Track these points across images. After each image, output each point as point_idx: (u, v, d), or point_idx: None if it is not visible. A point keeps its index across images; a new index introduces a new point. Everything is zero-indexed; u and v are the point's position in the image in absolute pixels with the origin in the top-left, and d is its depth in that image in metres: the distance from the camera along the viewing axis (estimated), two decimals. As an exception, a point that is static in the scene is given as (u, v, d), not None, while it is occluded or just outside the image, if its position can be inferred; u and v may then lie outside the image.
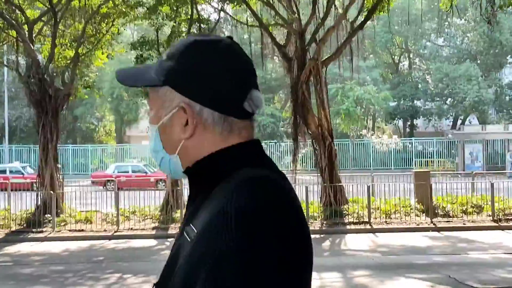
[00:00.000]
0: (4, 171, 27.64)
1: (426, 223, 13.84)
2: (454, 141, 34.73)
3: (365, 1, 16.05)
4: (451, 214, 14.51)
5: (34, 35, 15.65)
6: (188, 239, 1.02)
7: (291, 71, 15.84)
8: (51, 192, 14.52)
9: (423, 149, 35.97)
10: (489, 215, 14.20)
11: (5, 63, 19.31)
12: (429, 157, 34.98)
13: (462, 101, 36.92)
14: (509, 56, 40.29)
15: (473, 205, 14.87)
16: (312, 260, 1.03)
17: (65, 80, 15.89)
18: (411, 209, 14.85)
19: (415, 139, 37.26)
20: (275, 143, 35.75)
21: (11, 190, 17.24)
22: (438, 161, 34.15)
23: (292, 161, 16.88)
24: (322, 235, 12.88)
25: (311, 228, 13.36)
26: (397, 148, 34.17)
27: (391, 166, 34.42)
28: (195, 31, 15.91)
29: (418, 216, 14.44)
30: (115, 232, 13.63)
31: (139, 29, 35.57)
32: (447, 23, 41.24)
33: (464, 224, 13.77)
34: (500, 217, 14.05)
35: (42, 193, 14.91)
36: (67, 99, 15.88)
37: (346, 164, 33.69)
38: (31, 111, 35.61)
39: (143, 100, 29.11)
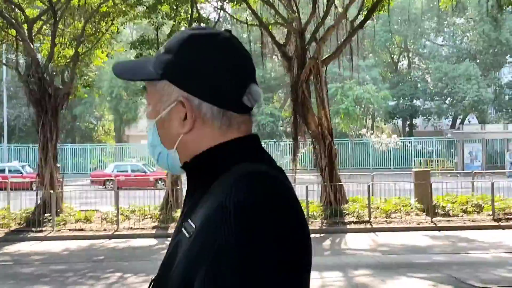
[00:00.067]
0: (3, 171, 27.61)
1: (426, 222, 13.83)
2: (454, 141, 34.75)
3: (365, 0, 16.04)
4: (451, 214, 14.50)
5: (33, 34, 15.61)
6: (187, 234, 1.01)
7: (291, 70, 15.82)
8: (51, 191, 14.49)
9: (422, 149, 35.98)
10: (489, 215, 14.19)
11: (4, 62, 19.27)
12: (429, 156, 35.00)
13: (461, 101, 36.95)
14: (509, 55, 40.32)
15: (473, 205, 14.88)
16: (311, 254, 1.01)
17: (65, 79, 15.86)
18: (411, 208, 14.85)
19: (414, 139, 37.28)
20: (274, 142, 35.74)
21: (10, 189, 17.22)
22: (438, 160, 34.15)
23: (292, 160, 16.86)
24: (322, 235, 12.87)
25: (311, 227, 13.36)
26: (396, 148, 34.18)
27: (390, 165, 34.44)
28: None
29: (418, 215, 14.44)
30: (115, 231, 13.60)
31: (138, 28, 35.55)
32: (446, 22, 41.29)
33: (464, 223, 13.75)
34: (500, 216, 14.04)
35: (41, 192, 14.87)
36: (67, 98, 15.85)
37: (345, 163, 33.69)
38: (30, 110, 35.58)
39: (143, 99, 29.08)
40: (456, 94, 37.03)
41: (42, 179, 15.11)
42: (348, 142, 35.35)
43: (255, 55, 18.28)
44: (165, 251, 1.09)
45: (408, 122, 42.15)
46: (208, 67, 1.07)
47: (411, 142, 36.54)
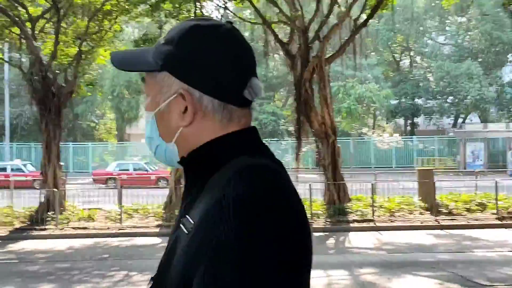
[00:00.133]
0: (4, 169, 27.62)
1: (430, 221, 13.82)
2: (455, 140, 34.73)
3: (368, -1, 16.01)
4: (454, 212, 14.50)
5: (36, 32, 15.60)
6: (185, 231, 0.98)
7: (294, 69, 15.80)
8: (54, 189, 14.49)
9: (424, 148, 35.97)
10: (493, 213, 14.20)
11: (6, 60, 19.24)
12: (430, 155, 34.99)
13: (463, 99, 36.93)
14: (510, 54, 40.29)
15: (476, 203, 14.88)
16: (311, 248, 0.99)
17: (68, 78, 15.85)
18: (414, 207, 14.85)
19: (416, 138, 37.26)
20: (276, 141, 35.72)
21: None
22: (439, 159, 34.13)
23: (296, 159, 16.84)
24: (325, 233, 12.87)
25: (314, 225, 13.39)
26: (398, 147, 34.17)
27: (392, 164, 34.43)
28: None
29: (422, 214, 14.43)
30: (118, 229, 13.60)
31: (140, 27, 35.50)
32: (448, 21, 41.27)
33: (468, 222, 13.74)
34: (504, 215, 14.04)
35: (45, 190, 14.87)
36: (70, 96, 15.85)
37: (347, 162, 33.66)
38: (32, 109, 35.59)
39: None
40: (458, 93, 37.02)
41: (46, 178, 15.12)
42: (350, 141, 35.33)
43: (256, 53, 18.23)
44: None
45: (409, 121, 42.12)
46: (210, 59, 1.05)
47: (413, 141, 36.52)
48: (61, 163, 15.76)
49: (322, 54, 15.35)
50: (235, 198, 0.93)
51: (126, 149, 38.47)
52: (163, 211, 14.83)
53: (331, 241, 12.04)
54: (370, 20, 16.44)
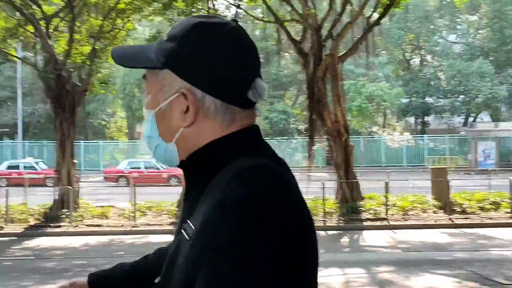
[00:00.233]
0: (17, 167, 27.84)
1: (444, 220, 13.77)
2: (467, 138, 34.56)
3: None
4: (468, 211, 14.44)
5: (50, 31, 15.68)
6: (187, 236, 0.97)
7: (306, 67, 15.78)
8: (69, 187, 14.58)
9: (435, 146, 35.82)
10: (507, 212, 14.13)
11: (21, 58, 19.35)
12: (441, 154, 34.84)
13: (474, 98, 36.74)
14: (522, 52, 40.03)
15: (490, 202, 14.81)
16: (316, 246, 0.97)
17: (82, 76, 15.92)
18: (428, 206, 14.80)
19: (426, 136, 37.11)
20: (286, 139, 35.70)
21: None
22: (450, 158, 33.98)
23: (308, 157, 16.84)
24: (339, 232, 12.87)
25: (327, 224, 13.39)
26: (408, 145, 34.05)
27: (403, 163, 34.32)
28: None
29: (435, 213, 14.39)
30: (132, 227, 13.66)
31: (151, 26, 35.59)
32: (459, 19, 41.05)
33: (482, 221, 13.69)
34: (519, 214, 13.96)
35: (59, 188, 14.96)
36: (84, 95, 15.94)
37: (357, 161, 33.59)
38: (44, 107, 35.79)
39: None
40: (469, 91, 36.84)
41: (60, 175, 15.21)
42: (360, 140, 35.25)
43: (267, 52, 18.27)
44: None
45: (420, 120, 41.96)
46: (213, 58, 1.02)
47: (424, 139, 36.37)
48: (75, 161, 15.84)
49: (335, 52, 15.32)
50: (235, 199, 0.91)
51: (137, 147, 38.60)
52: (177, 209, 14.87)
53: (345, 240, 12.03)
54: (383, 18, 16.39)
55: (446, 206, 14.24)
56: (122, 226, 13.79)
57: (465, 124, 40.19)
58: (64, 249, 11.38)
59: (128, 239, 12.50)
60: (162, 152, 1.10)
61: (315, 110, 15.60)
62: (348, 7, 16.10)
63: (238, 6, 16.97)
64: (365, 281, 8.02)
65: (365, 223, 13.61)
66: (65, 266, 9.43)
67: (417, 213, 14.40)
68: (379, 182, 15.80)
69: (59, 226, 13.74)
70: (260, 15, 17.93)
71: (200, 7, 16.77)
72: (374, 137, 35.30)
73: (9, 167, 27.79)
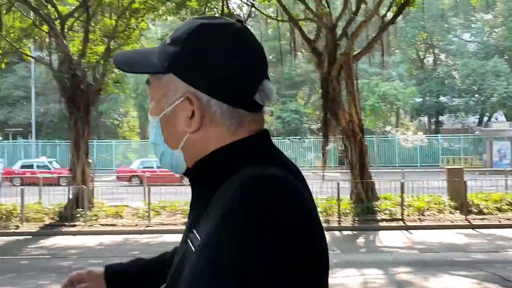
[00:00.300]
0: (31, 166, 28.03)
1: (460, 220, 13.63)
2: (481, 138, 34.24)
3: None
4: (485, 212, 14.27)
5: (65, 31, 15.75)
6: (192, 248, 0.94)
7: (321, 66, 15.70)
8: (83, 186, 14.62)
9: (449, 146, 35.54)
10: (525, 213, 13.96)
11: (36, 58, 19.46)
12: (456, 154, 34.55)
13: (489, 97, 36.40)
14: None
15: (507, 203, 14.63)
16: (328, 263, 0.93)
17: (96, 76, 15.97)
18: (444, 206, 14.65)
19: (441, 136, 36.83)
20: (299, 139, 35.61)
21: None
22: (465, 158, 33.68)
23: (322, 157, 16.75)
24: (354, 232, 12.79)
25: (342, 224, 13.30)
26: (422, 145, 33.80)
27: (417, 163, 34.09)
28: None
29: (451, 213, 14.24)
30: (146, 226, 13.67)
31: (164, 25, 35.69)
32: (474, 18, 40.70)
33: (499, 221, 13.52)
34: (537, 215, 13.79)
35: (74, 187, 15.02)
36: (98, 94, 15.98)
37: (371, 160, 33.42)
38: (57, 107, 35.99)
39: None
40: (484, 90, 36.50)
41: (74, 175, 15.26)
42: (373, 139, 35.07)
43: (278, 52, 18.20)
44: None
45: (434, 119, 41.65)
46: (218, 60, 0.98)
47: (438, 139, 36.10)
48: (90, 160, 15.89)
49: (350, 51, 15.23)
50: (240, 214, 0.87)
51: (149, 147, 38.69)
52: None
53: (361, 240, 11.94)
54: (398, 17, 16.26)
55: (463, 206, 14.09)
56: (137, 225, 13.81)
57: (479, 123, 39.82)
58: (80, 248, 11.42)
59: (143, 238, 12.51)
60: (168, 159, 1.06)
61: (330, 110, 15.51)
62: (362, 6, 16.00)
63: (252, 6, 16.90)
64: (383, 282, 7.93)
65: (380, 224, 13.50)
66: (81, 265, 9.42)
67: (433, 214, 14.26)
68: (393, 182, 15.67)
69: (74, 225, 13.79)
70: (272, 14, 17.84)
71: (213, 6, 16.80)
72: (387, 137, 35.09)
73: (23, 167, 27.99)
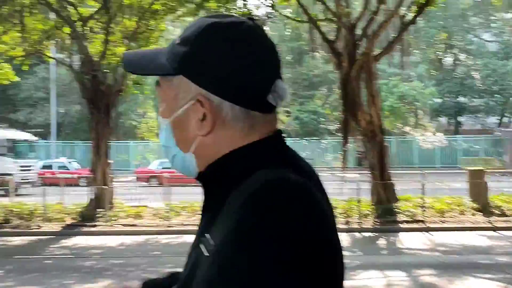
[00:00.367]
0: (51, 167, 28.35)
1: (483, 222, 13.46)
2: (501, 139, 33.81)
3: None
4: (508, 214, 14.08)
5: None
6: (205, 253, 0.92)
7: (340, 67, 15.63)
8: (104, 187, 14.73)
9: (469, 147, 35.16)
10: (549, 215, 13.74)
11: (58, 60, 19.65)
12: (475, 155, 34.17)
13: (510, 98, 35.95)
14: (560, 51, 39.03)
15: (531, 205, 14.43)
16: (343, 271, 0.91)
17: (116, 77, 16.08)
18: (465, 208, 14.48)
19: (460, 137, 36.45)
20: (317, 140, 35.50)
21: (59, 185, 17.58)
22: (485, 159, 33.30)
23: (342, 158, 16.67)
24: (375, 234, 12.70)
25: (362, 225, 13.21)
26: (442, 146, 33.48)
27: (436, 164, 33.77)
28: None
29: (473, 215, 14.07)
30: (167, 227, 13.72)
31: (182, 26, 35.84)
32: (494, 17, 40.23)
33: (523, 224, 13.34)
34: (561, 217, 13.57)
35: (94, 187, 15.14)
36: (118, 95, 16.09)
37: (390, 161, 33.20)
38: (77, 108, 36.34)
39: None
40: (505, 91, 36.05)
41: (95, 175, 15.38)
42: (392, 140, 34.83)
43: (296, 52, 18.12)
44: None
45: (453, 120, 41.23)
46: (229, 60, 0.95)
47: (457, 140, 35.72)
48: (110, 161, 16.01)
49: (370, 52, 15.14)
50: (254, 224, 0.85)
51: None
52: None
53: (382, 242, 11.85)
54: (418, 17, 16.12)
55: (485, 208, 13.91)
56: (157, 226, 13.87)
57: (500, 124, 39.32)
58: (101, 248, 11.50)
59: (163, 239, 12.56)
60: (180, 162, 1.04)
61: (349, 110, 15.44)
62: (382, 7, 15.89)
63: (272, 6, 16.87)
64: (407, 284, 7.85)
65: (401, 225, 13.39)
66: (104, 265, 9.50)
67: (454, 215, 14.11)
68: (413, 183, 15.53)
69: (95, 226, 13.90)
70: (290, 15, 17.82)
71: (232, 6, 16.80)
72: (406, 138, 34.82)
73: (43, 167, 28.31)
